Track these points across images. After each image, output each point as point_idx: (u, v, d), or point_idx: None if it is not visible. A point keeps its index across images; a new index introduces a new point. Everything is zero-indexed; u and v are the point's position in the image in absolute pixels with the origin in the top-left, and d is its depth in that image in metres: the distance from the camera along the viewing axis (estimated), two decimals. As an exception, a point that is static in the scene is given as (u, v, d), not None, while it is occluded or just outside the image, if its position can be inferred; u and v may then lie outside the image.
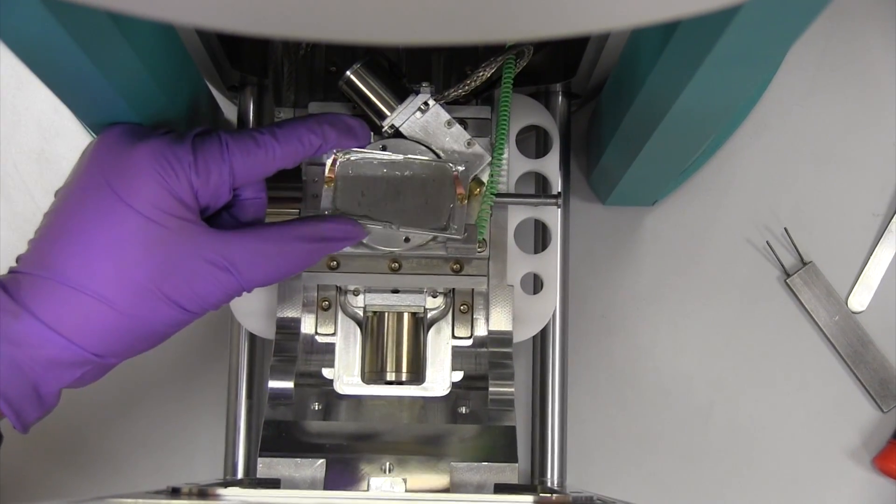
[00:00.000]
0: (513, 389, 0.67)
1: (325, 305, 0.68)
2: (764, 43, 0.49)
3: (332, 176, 0.64)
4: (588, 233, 0.81)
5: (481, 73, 0.64)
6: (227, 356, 0.75)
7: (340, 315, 0.68)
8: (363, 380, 0.67)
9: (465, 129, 0.66)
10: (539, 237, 0.76)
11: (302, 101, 0.69)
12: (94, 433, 0.79)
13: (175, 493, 0.55)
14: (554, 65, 0.74)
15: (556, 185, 0.73)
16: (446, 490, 0.64)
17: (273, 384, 0.67)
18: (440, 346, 0.68)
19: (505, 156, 0.67)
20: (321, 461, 0.64)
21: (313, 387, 0.67)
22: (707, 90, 0.54)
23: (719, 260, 0.81)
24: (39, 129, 0.82)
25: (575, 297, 0.78)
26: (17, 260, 0.57)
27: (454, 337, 0.68)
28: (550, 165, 0.73)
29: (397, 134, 0.65)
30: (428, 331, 0.68)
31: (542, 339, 0.75)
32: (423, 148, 0.65)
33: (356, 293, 0.68)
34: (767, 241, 0.80)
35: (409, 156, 0.65)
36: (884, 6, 0.83)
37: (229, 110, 0.78)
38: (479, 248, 0.67)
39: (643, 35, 0.59)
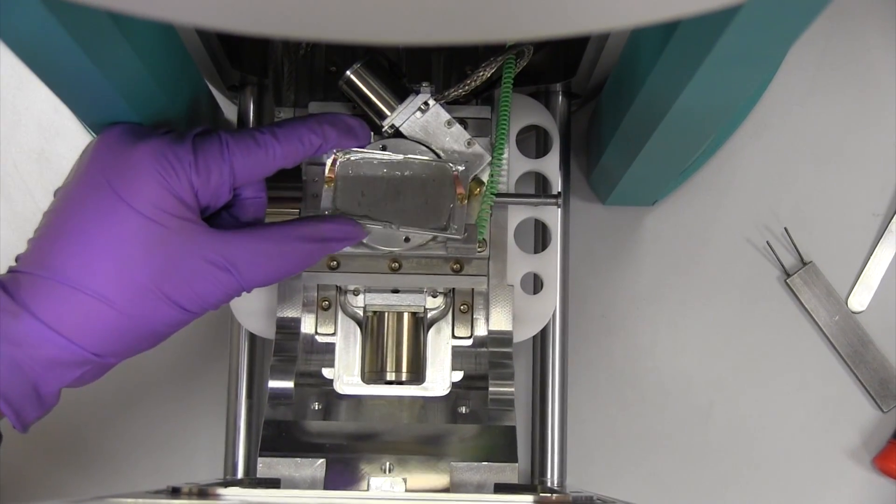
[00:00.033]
0: (513, 389, 0.67)
1: (325, 305, 0.68)
2: (764, 43, 0.49)
3: (332, 176, 0.64)
4: (588, 233, 0.81)
5: (481, 73, 0.64)
6: (227, 356, 0.75)
7: (340, 315, 0.68)
8: (363, 379, 0.67)
9: (465, 128, 0.66)
10: (539, 237, 0.76)
11: (302, 101, 0.69)
12: (93, 433, 0.79)
13: (175, 492, 0.55)
14: (554, 65, 0.74)
15: (556, 185, 0.73)
16: (446, 490, 0.64)
17: (273, 384, 0.67)
18: (440, 345, 0.68)
19: (505, 156, 0.67)
20: (321, 461, 0.64)
21: (313, 386, 0.67)
22: (707, 90, 0.54)
23: (719, 260, 0.81)
24: (39, 129, 0.82)
25: (575, 297, 0.78)
26: (17, 259, 0.57)
27: (454, 337, 0.68)
28: (550, 165, 0.73)
29: (397, 134, 0.65)
30: (428, 331, 0.68)
31: (542, 339, 0.75)
32: (423, 148, 0.65)
33: (356, 293, 0.68)
34: (767, 241, 0.80)
35: (409, 156, 0.65)
36: (884, 6, 0.83)
37: (229, 110, 0.78)
38: (479, 247, 0.67)
39: (643, 35, 0.59)
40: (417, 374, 0.67)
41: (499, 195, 0.67)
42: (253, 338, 0.75)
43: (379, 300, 0.68)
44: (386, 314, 0.68)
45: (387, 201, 0.65)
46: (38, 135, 0.82)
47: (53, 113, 0.82)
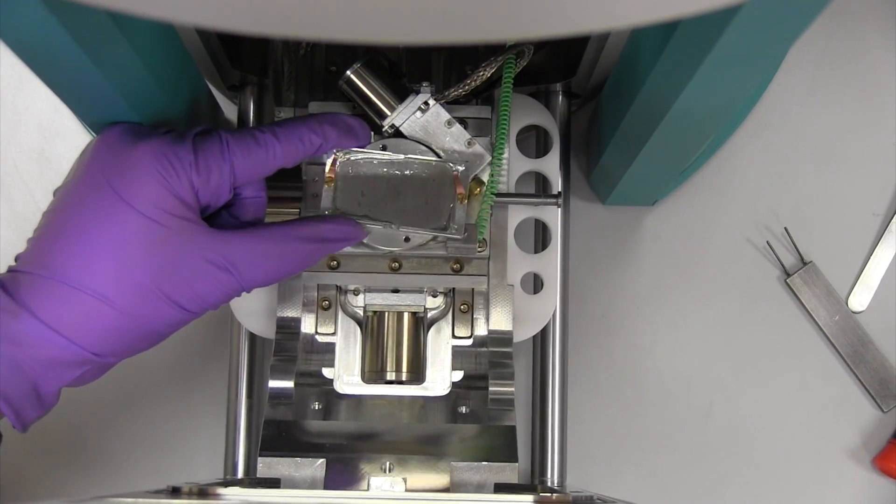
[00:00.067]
0: (513, 389, 0.67)
1: (326, 305, 0.68)
2: (764, 43, 0.49)
3: (333, 176, 0.64)
4: (588, 233, 0.81)
5: (481, 73, 0.64)
6: (227, 356, 0.75)
7: (340, 314, 0.68)
8: (363, 379, 0.67)
9: (465, 128, 0.66)
10: (539, 237, 0.76)
11: (302, 101, 0.69)
12: (93, 433, 0.79)
13: (175, 492, 0.55)
14: (554, 65, 0.74)
15: (557, 185, 0.73)
16: (446, 490, 0.64)
17: (273, 384, 0.67)
18: (440, 345, 0.68)
19: (505, 155, 0.67)
20: (321, 461, 0.64)
21: (313, 386, 0.67)
22: (707, 90, 0.54)
23: (719, 260, 0.81)
24: (39, 129, 0.82)
25: (575, 297, 0.78)
26: (16, 259, 0.57)
27: (454, 336, 0.68)
28: (550, 165, 0.73)
29: (397, 133, 0.65)
30: (428, 330, 0.68)
31: (542, 339, 0.75)
32: (424, 148, 0.65)
33: (356, 293, 0.68)
34: (767, 241, 0.80)
35: (410, 155, 0.65)
36: (884, 6, 0.83)
37: (229, 110, 0.78)
38: (479, 247, 0.67)
39: (643, 35, 0.59)
40: (417, 373, 0.67)
41: (499, 195, 0.67)
42: (253, 338, 0.75)
43: (379, 300, 0.68)
44: (386, 314, 0.68)
45: (387, 201, 0.65)
46: (38, 135, 0.82)
47: (53, 113, 0.82)
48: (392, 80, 0.65)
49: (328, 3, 0.35)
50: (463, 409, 0.67)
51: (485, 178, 0.66)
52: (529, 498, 0.54)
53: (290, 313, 0.68)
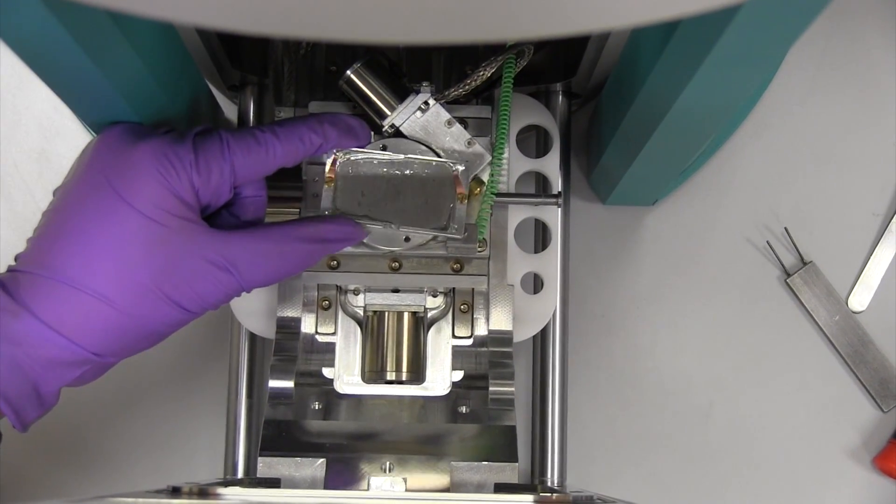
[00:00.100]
0: (513, 389, 0.67)
1: (326, 305, 0.68)
2: (764, 43, 0.49)
3: (333, 175, 0.64)
4: (588, 233, 0.81)
5: (481, 73, 0.64)
6: (227, 356, 0.75)
7: (341, 314, 0.68)
8: (363, 379, 0.67)
9: (465, 128, 0.66)
10: (539, 237, 0.76)
11: (302, 101, 0.69)
12: (93, 433, 0.79)
13: (175, 492, 0.55)
14: (554, 64, 0.74)
15: (557, 185, 0.73)
16: (446, 489, 0.64)
17: (273, 383, 0.67)
18: (440, 345, 0.68)
19: (505, 155, 0.67)
20: (321, 461, 0.64)
21: (313, 386, 0.67)
22: (707, 90, 0.54)
23: (719, 260, 0.81)
24: (40, 129, 0.82)
25: (575, 297, 0.78)
26: (16, 259, 0.57)
27: (454, 336, 0.68)
28: (550, 165, 0.73)
29: (397, 133, 0.65)
30: (428, 330, 0.68)
31: (542, 339, 0.75)
32: (424, 147, 0.65)
33: (356, 292, 0.68)
34: (767, 241, 0.80)
35: (410, 155, 0.65)
36: (884, 6, 0.83)
37: (229, 110, 0.78)
38: (479, 247, 0.67)
39: (643, 35, 0.59)
40: (417, 373, 0.67)
41: (499, 195, 0.67)
42: (253, 338, 0.75)
43: (379, 300, 0.68)
44: (386, 314, 0.68)
45: (387, 201, 0.65)
46: (38, 135, 0.82)
47: (53, 113, 0.82)
48: (392, 79, 0.65)
49: (328, 3, 0.35)
50: (463, 409, 0.67)
51: (485, 177, 0.66)
52: (529, 498, 0.54)
53: (290, 313, 0.68)
